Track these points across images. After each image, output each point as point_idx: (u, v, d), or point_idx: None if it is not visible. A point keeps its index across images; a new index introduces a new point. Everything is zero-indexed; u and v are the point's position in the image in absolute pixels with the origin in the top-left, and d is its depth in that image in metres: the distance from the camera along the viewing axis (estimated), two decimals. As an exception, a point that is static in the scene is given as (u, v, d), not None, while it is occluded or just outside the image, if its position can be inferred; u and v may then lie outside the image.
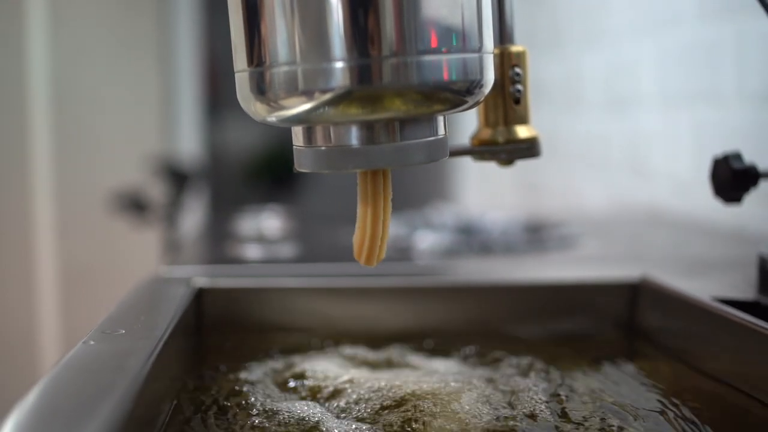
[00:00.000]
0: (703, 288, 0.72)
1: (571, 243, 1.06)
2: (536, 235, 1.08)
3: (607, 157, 1.71)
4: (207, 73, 3.67)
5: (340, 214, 1.37)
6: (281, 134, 4.80)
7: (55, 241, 2.96)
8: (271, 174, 4.78)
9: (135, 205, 2.57)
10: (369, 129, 0.51)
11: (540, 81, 2.00)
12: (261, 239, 1.09)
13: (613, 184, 1.69)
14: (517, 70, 0.63)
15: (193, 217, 2.75)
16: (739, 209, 1.15)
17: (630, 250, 1.08)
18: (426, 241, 1.04)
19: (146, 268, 0.85)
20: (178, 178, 2.60)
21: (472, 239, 1.05)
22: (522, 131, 0.63)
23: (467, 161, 2.90)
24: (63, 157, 2.96)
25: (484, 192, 2.53)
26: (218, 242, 1.11)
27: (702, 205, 1.30)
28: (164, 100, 3.10)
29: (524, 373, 0.66)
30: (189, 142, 3.16)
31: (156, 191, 2.62)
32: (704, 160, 1.31)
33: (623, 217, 1.46)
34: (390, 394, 0.59)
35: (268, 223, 1.16)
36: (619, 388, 0.62)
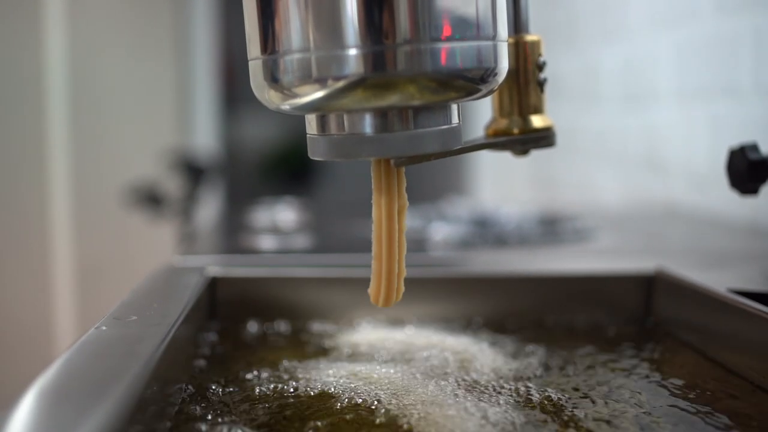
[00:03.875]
0: (718, 280, 0.72)
1: (586, 236, 1.06)
2: (551, 228, 1.07)
3: (624, 152, 1.71)
4: (223, 67, 3.67)
5: (356, 209, 1.38)
6: (297, 129, 4.81)
7: (71, 234, 2.97)
8: (286, 168, 4.79)
9: (151, 199, 2.58)
10: (382, 117, 0.51)
11: (557, 76, 2.00)
12: (275, 230, 1.09)
13: (629, 178, 1.69)
14: (542, 59, 0.63)
15: (208, 211, 2.76)
16: (755, 203, 1.14)
17: (645, 243, 1.08)
18: (441, 232, 1.04)
19: (162, 262, 0.85)
20: (194, 173, 2.60)
21: (486, 231, 1.05)
22: (537, 121, 0.63)
23: (482, 154, 2.89)
24: (80, 152, 2.97)
25: (499, 186, 2.52)
26: (233, 233, 1.11)
27: (718, 199, 1.30)
28: (181, 94, 3.10)
29: (539, 364, 0.65)
30: (205, 137, 3.17)
31: (172, 185, 2.63)
32: (721, 155, 1.30)
33: (639, 212, 1.46)
34: (405, 383, 0.59)
35: (282, 214, 1.16)
36: (635, 379, 0.62)
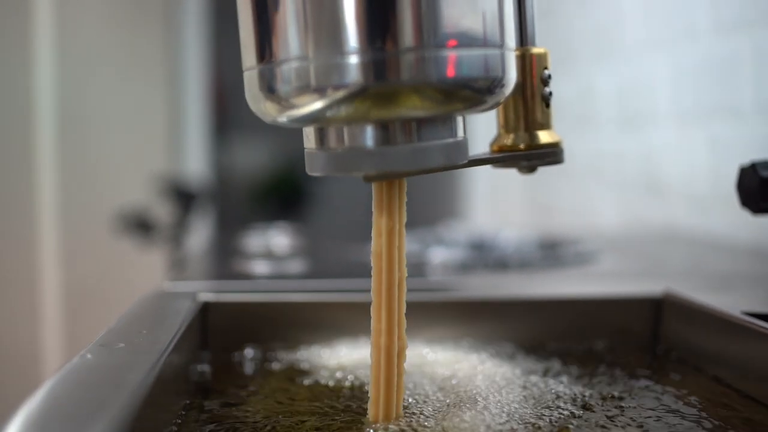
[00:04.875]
0: (728, 302, 0.69)
1: (588, 259, 1.03)
2: (552, 252, 1.04)
3: (621, 175, 1.68)
4: (214, 93, 3.65)
5: (349, 233, 1.35)
6: (288, 155, 4.80)
7: (59, 261, 2.94)
8: (278, 195, 4.76)
9: (141, 226, 2.55)
10: (384, 129, 0.48)
11: (552, 97, 1.97)
12: (269, 255, 1.06)
13: (626, 202, 1.66)
14: (548, 72, 0.60)
15: (199, 237, 2.73)
16: (758, 224, 1.12)
17: (648, 266, 1.05)
18: (440, 256, 1.01)
19: (152, 287, 0.82)
20: (184, 199, 2.57)
21: (486, 255, 1.02)
22: (544, 136, 0.60)
23: (477, 178, 2.86)
24: (69, 177, 2.94)
25: (494, 211, 2.50)
26: (225, 258, 1.08)
27: (720, 221, 1.27)
28: (171, 120, 3.08)
29: (546, 389, 0.62)
30: (196, 162, 3.14)
31: (162, 211, 2.60)
32: (721, 177, 1.28)
33: (639, 235, 1.43)
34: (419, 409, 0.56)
35: (276, 239, 1.13)
36: (646, 405, 0.59)
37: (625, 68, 1.66)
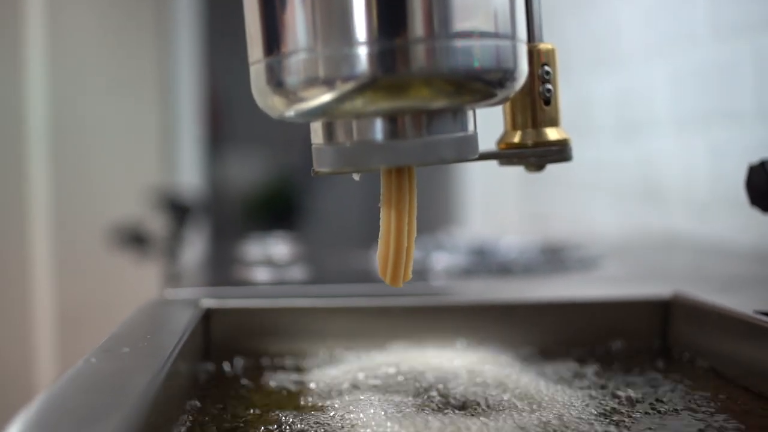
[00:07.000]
0: (739, 303, 0.68)
1: (592, 264, 1.02)
2: (555, 257, 1.03)
3: (619, 182, 1.68)
4: (209, 106, 3.64)
5: (346, 243, 1.33)
6: (282, 168, 4.78)
7: (52, 276, 2.91)
8: (272, 208, 4.75)
9: (135, 239, 2.53)
10: (394, 122, 0.47)
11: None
12: (269, 263, 1.05)
13: (625, 209, 1.65)
14: (547, 68, 0.59)
15: (194, 251, 2.71)
16: (758, 228, 1.11)
17: (653, 270, 1.04)
18: (443, 262, 1.00)
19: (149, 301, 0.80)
20: (179, 212, 2.55)
21: (488, 260, 1.01)
22: (552, 134, 0.59)
23: (472, 186, 2.84)
24: (61, 190, 2.93)
25: (489, 219, 2.48)
26: (225, 267, 1.07)
27: (722, 225, 1.26)
28: (165, 133, 3.06)
29: (558, 392, 0.61)
30: (190, 176, 3.13)
31: (157, 225, 2.58)
32: (722, 181, 1.27)
33: (640, 240, 1.42)
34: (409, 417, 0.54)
35: (276, 247, 1.12)
36: (659, 407, 0.58)
37: (623, 75, 1.65)
